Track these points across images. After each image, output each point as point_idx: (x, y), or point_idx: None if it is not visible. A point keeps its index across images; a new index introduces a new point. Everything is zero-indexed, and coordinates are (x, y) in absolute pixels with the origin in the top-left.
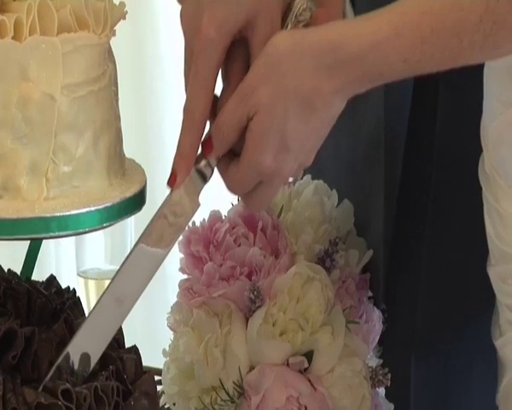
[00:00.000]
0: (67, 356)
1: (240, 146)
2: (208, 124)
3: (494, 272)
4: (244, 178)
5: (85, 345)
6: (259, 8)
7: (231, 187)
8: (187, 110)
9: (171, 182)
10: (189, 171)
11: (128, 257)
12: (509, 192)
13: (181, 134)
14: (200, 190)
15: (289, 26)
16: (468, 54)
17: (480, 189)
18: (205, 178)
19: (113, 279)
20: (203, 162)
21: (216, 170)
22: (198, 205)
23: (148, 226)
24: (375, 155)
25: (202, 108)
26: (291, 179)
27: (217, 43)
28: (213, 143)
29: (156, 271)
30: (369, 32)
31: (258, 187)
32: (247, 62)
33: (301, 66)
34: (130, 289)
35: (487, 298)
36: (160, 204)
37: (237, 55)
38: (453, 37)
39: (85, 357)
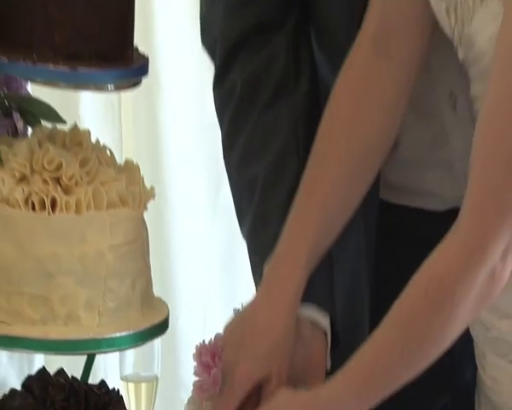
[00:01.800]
0: None
1: None
2: None
3: None
4: None
5: None
6: (275, 369)
7: None
8: None
9: None
10: None
11: None
12: None
13: None
14: None
15: None
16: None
17: None
18: None
19: None
20: None
21: None
22: None
23: None
24: None
25: None
26: None
27: (244, 386)
28: None
29: None
30: (328, 388)
31: None
32: (257, 402)
33: None
34: None
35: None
36: None
37: (251, 394)
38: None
39: None
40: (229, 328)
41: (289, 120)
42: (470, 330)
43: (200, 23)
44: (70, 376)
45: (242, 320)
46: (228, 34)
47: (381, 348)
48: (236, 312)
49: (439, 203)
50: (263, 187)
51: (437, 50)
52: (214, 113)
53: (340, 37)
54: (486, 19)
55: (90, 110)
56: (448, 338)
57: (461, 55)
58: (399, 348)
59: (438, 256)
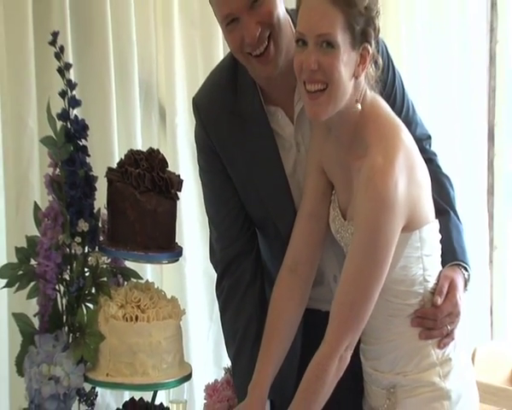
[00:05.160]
0: None
1: None
2: None
3: None
4: None
5: None
6: None
7: None
8: None
9: None
10: None
11: None
12: None
13: None
14: None
15: None
16: None
17: None
18: None
19: None
20: None
21: None
22: None
23: None
24: None
25: None
26: None
27: None
28: None
29: None
30: None
31: None
32: None
33: None
34: None
35: None
36: None
37: None
38: None
39: None
40: None
41: (252, 304)
42: (364, 375)
43: (209, 249)
44: (145, 401)
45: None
46: (222, 262)
47: (297, 400)
48: (228, 368)
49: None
50: (240, 336)
51: (328, 256)
52: None
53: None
54: None
55: (152, 272)
56: (327, 390)
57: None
58: (306, 398)
59: (318, 352)
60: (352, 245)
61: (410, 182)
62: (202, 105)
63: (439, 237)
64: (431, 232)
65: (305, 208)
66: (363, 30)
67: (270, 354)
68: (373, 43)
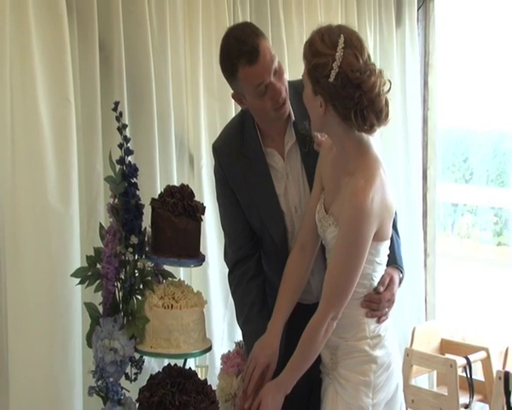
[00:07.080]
0: None
1: None
2: None
3: None
4: None
5: None
6: (272, 361)
7: None
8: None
9: None
10: None
11: None
12: None
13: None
14: None
15: None
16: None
17: None
18: None
19: None
20: None
21: None
22: None
23: None
24: None
25: (251, 387)
26: None
27: (261, 366)
28: None
29: None
30: (282, 374)
31: None
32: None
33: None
34: None
35: None
36: None
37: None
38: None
39: None
40: (256, 344)
41: (254, 291)
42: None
43: (224, 252)
44: (178, 366)
45: (261, 342)
46: (232, 260)
47: (296, 353)
48: (237, 342)
49: (310, 300)
50: (247, 309)
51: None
52: None
53: (275, 250)
54: (330, 236)
55: (183, 273)
56: (318, 348)
57: (323, 240)
58: (302, 352)
59: (312, 319)
60: (338, 241)
61: (381, 203)
62: (219, 149)
63: (388, 252)
64: (384, 247)
65: (310, 207)
66: None
67: (284, 301)
68: None
